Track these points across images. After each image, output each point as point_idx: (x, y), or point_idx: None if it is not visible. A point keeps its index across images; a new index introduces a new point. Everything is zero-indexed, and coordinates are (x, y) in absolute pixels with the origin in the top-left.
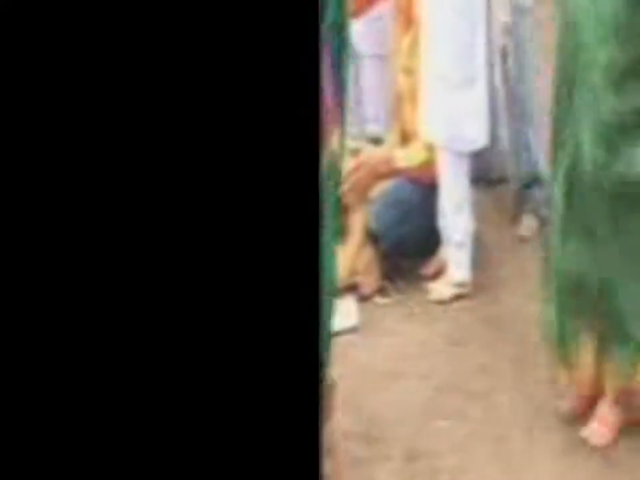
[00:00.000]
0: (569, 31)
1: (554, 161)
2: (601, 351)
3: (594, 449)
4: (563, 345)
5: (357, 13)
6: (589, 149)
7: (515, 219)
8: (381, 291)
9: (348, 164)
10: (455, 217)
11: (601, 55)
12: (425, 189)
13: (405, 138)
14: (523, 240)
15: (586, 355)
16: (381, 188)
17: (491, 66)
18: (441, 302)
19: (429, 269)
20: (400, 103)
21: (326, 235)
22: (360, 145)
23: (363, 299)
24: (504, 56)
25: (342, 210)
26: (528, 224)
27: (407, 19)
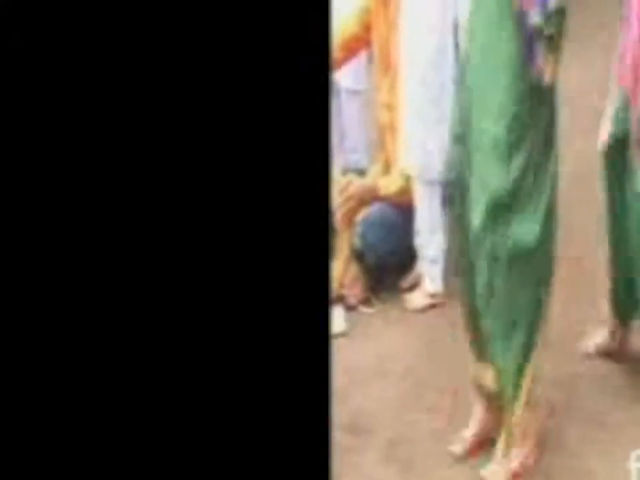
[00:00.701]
0: (466, 108)
1: None
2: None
3: None
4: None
5: (339, 63)
6: (478, 215)
7: None
8: (366, 302)
9: (340, 194)
10: (429, 236)
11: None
12: (403, 212)
13: (387, 168)
14: None
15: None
16: (366, 212)
17: None
18: (417, 310)
19: (407, 281)
20: (382, 136)
21: None
22: (350, 177)
23: (350, 308)
24: None
25: (333, 232)
26: None
27: (387, 62)
